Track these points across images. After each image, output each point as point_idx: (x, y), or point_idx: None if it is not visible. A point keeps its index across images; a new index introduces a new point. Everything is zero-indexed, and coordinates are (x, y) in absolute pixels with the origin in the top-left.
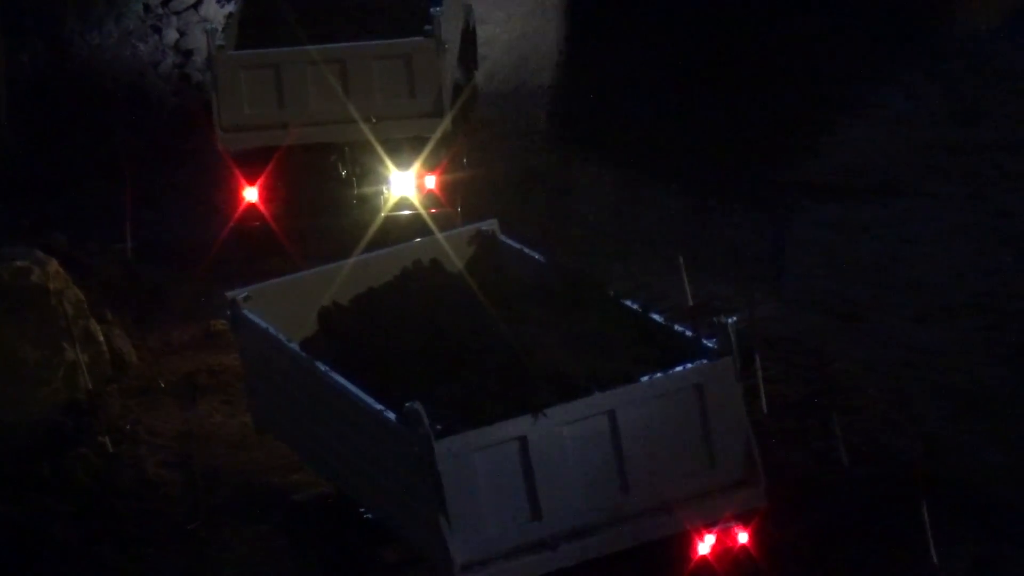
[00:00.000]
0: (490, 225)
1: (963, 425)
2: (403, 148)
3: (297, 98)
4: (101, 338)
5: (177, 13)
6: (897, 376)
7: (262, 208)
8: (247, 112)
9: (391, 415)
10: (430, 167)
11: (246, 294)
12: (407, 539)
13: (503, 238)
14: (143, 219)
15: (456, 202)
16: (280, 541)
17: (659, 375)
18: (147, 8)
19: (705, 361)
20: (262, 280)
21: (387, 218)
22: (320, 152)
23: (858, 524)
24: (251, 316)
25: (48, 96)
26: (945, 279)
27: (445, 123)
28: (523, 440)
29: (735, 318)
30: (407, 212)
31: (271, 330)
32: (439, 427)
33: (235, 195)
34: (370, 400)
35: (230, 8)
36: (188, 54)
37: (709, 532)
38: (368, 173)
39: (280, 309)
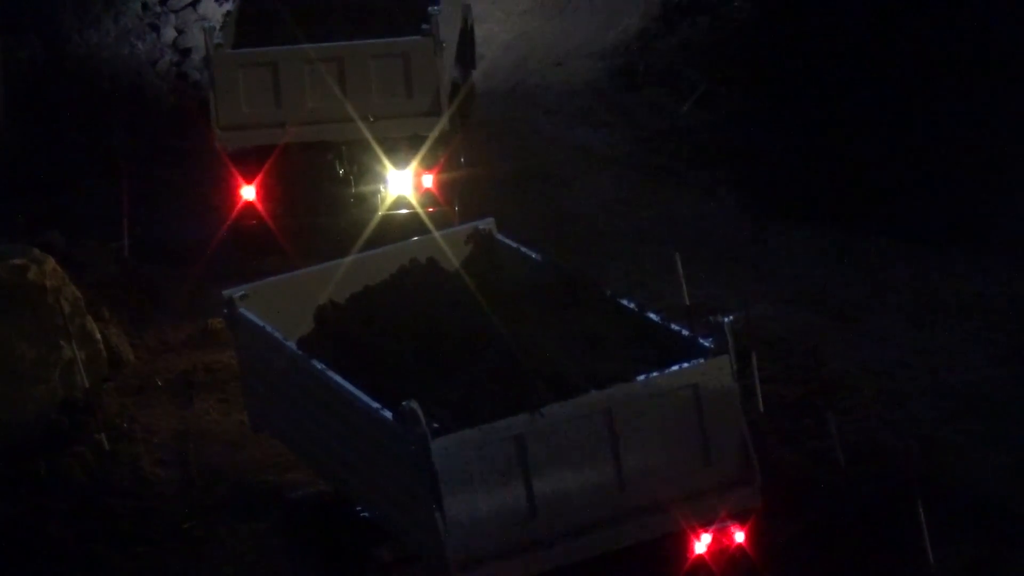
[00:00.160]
0: (487, 224)
1: (959, 425)
2: (400, 147)
3: (295, 97)
4: (98, 336)
5: (175, 11)
6: (893, 376)
7: (259, 207)
8: (245, 110)
9: (388, 414)
10: (427, 166)
11: (243, 293)
12: (403, 538)
13: (500, 237)
14: (140, 217)
15: (453, 201)
16: (276, 539)
17: (655, 374)
18: (145, 6)
19: (701, 360)
20: (259, 279)
21: (384, 217)
22: (317, 151)
23: (854, 524)
24: (248, 315)
25: (45, 94)
26: (940, 280)
27: (443, 122)
28: (520, 439)
29: (731, 317)
30: (404, 211)
31: (268, 329)
32: (436, 426)
33: (232, 194)
34: (367, 399)
35: (228, 6)
36: (186, 52)
37: (705, 531)
38: (365, 172)
39: (277, 308)
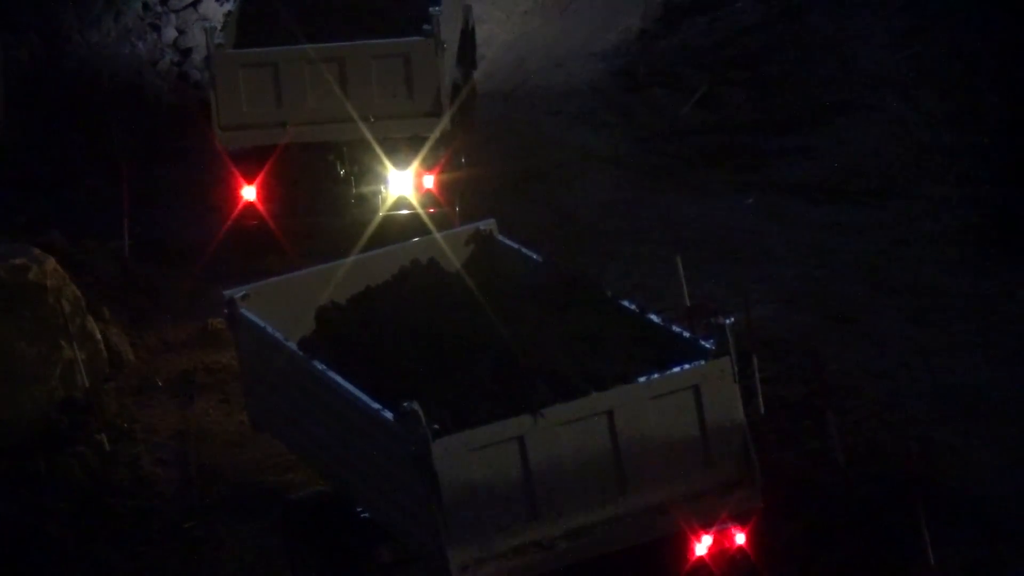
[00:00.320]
0: (488, 225)
1: (958, 426)
2: (401, 147)
3: (296, 97)
4: (98, 336)
5: (176, 11)
6: (893, 377)
7: (260, 207)
8: (245, 110)
9: (388, 414)
10: (428, 166)
11: (244, 293)
12: (404, 538)
13: (501, 238)
14: (140, 217)
15: (454, 202)
16: (276, 540)
17: (656, 375)
18: (146, 6)
19: (702, 362)
20: (260, 279)
21: (385, 217)
22: (318, 151)
23: (854, 525)
24: (249, 315)
25: (46, 94)
26: (940, 281)
27: (443, 123)
28: (521, 440)
29: (732, 319)
30: (405, 211)
31: (269, 329)
32: (436, 426)
33: (233, 194)
34: (367, 399)
35: (229, 6)
36: (187, 52)
37: (706, 533)
38: (366, 172)
39: (278, 308)
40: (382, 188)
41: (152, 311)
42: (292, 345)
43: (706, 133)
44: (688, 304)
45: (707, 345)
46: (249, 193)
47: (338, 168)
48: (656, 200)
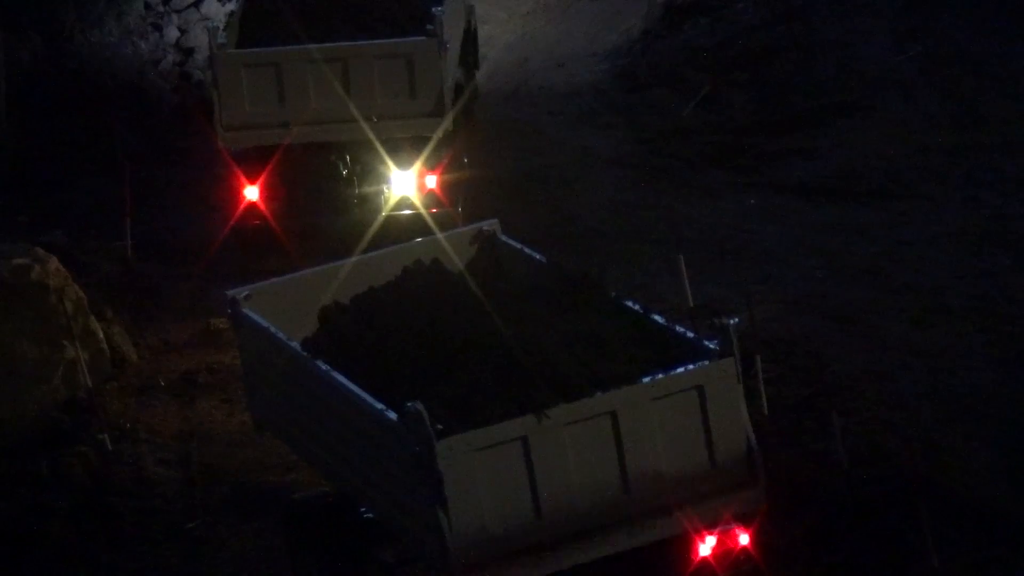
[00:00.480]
0: (491, 225)
1: (961, 427)
2: (404, 148)
3: (298, 97)
4: (101, 336)
5: (178, 11)
6: (895, 378)
7: (262, 207)
8: (248, 110)
9: (392, 415)
10: (431, 167)
11: (246, 293)
12: (407, 539)
13: (504, 238)
14: (143, 217)
15: (457, 202)
16: (278, 540)
17: (660, 376)
18: (148, 6)
19: (706, 362)
20: (262, 279)
21: (388, 217)
22: (321, 151)
23: (857, 525)
24: (251, 315)
25: (47, 93)
26: (942, 282)
27: (446, 123)
28: (524, 441)
29: (736, 319)
30: (408, 212)
31: (271, 329)
32: (440, 427)
33: (235, 194)
34: (371, 400)
35: (231, 6)
36: (189, 52)
37: (710, 533)
38: (369, 172)
39: (280, 308)
40: (385, 188)
41: (154, 311)
42: (295, 345)
43: (708, 134)
44: (691, 304)
45: (711, 346)
46: (251, 193)
47: (340, 168)
48: (658, 200)
